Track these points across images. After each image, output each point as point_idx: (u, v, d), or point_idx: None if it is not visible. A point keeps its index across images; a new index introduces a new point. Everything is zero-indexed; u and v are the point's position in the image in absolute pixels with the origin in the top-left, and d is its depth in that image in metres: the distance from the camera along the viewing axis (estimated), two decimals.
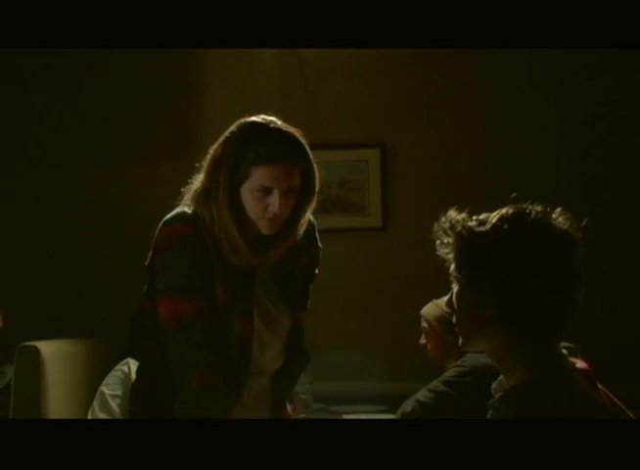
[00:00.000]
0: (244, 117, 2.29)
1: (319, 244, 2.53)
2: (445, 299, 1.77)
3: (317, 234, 2.51)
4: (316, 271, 2.54)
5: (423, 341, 3.26)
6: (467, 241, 1.66)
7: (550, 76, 4.12)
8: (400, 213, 4.16)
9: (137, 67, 4.24)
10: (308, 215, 2.35)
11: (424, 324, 3.24)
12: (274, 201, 2.20)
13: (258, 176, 2.19)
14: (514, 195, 1.73)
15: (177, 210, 2.30)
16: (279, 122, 2.26)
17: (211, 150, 2.28)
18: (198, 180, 2.30)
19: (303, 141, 2.26)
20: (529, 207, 1.67)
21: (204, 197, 2.25)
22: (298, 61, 4.20)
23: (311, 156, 2.28)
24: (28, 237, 4.29)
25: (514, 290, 1.60)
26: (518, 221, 1.64)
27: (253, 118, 2.27)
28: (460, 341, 1.73)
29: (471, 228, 1.66)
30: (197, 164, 2.30)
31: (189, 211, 2.27)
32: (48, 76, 4.31)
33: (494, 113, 4.14)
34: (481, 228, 1.65)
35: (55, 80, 4.31)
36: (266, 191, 2.20)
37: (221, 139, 2.27)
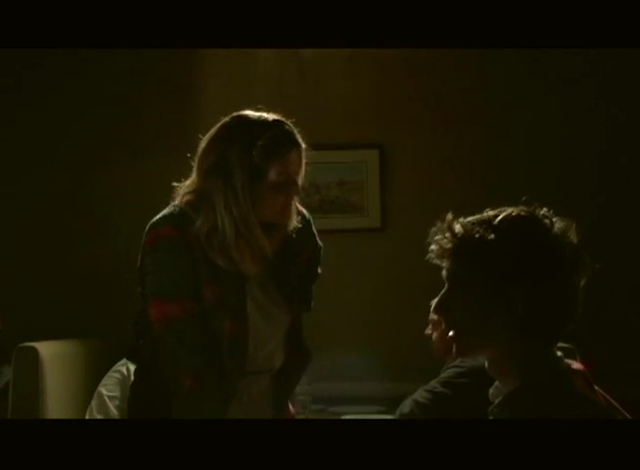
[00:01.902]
0: None
1: (319, 242, 2.52)
2: (434, 304, 1.71)
3: (315, 231, 2.50)
4: (319, 270, 2.53)
5: (428, 331, 3.21)
6: (480, 246, 1.60)
7: (550, 76, 4.12)
8: (399, 214, 4.16)
9: (136, 67, 4.24)
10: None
11: (433, 316, 3.15)
12: (293, 189, 2.24)
13: (276, 169, 2.21)
14: (524, 198, 1.68)
15: (164, 211, 2.29)
16: (262, 112, 2.27)
17: (200, 162, 2.24)
18: (190, 188, 2.26)
19: (290, 122, 2.29)
20: (537, 210, 1.64)
21: (220, 212, 2.21)
22: (298, 61, 4.20)
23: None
24: (27, 237, 4.28)
25: (535, 299, 1.57)
26: (532, 225, 1.61)
27: (235, 116, 2.26)
28: (455, 348, 1.67)
29: (479, 233, 1.60)
30: (192, 163, 2.28)
31: (176, 213, 2.26)
32: (47, 77, 4.30)
33: (493, 113, 4.14)
34: (491, 235, 1.59)
35: (54, 81, 4.30)
36: (287, 179, 2.23)
37: (208, 146, 2.24)
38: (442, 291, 1.67)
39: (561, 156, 4.10)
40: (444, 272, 1.67)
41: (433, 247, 1.66)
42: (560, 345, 1.60)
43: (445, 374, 2.97)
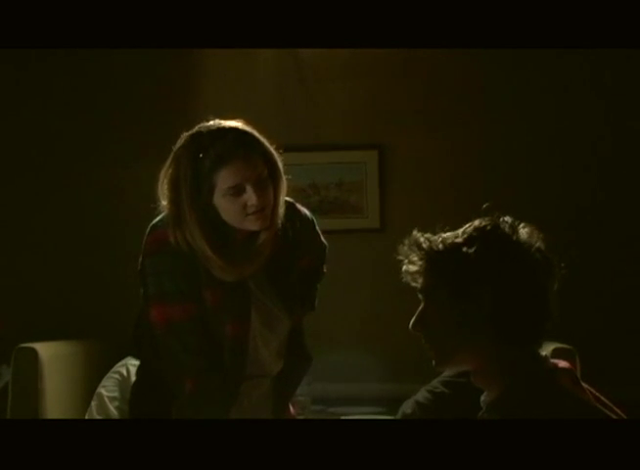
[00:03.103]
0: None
1: (323, 242, 2.51)
2: (411, 321, 1.73)
3: (319, 231, 2.49)
4: (324, 269, 2.53)
5: None
6: (448, 257, 1.65)
7: (550, 77, 4.12)
8: (398, 215, 4.16)
9: (136, 67, 4.24)
10: (283, 202, 2.29)
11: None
12: (250, 195, 2.16)
13: (223, 179, 2.14)
14: (485, 206, 1.73)
15: (164, 213, 2.28)
16: (222, 121, 2.21)
17: (163, 174, 2.22)
18: (164, 206, 2.24)
19: (250, 129, 2.21)
20: (499, 218, 1.67)
21: (173, 224, 2.20)
22: (297, 62, 4.20)
23: (264, 140, 2.23)
24: (26, 238, 4.28)
25: (504, 300, 1.60)
26: (494, 232, 1.65)
27: (195, 129, 2.22)
28: (435, 361, 1.70)
29: (445, 245, 1.66)
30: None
31: None
32: (47, 76, 4.30)
33: (493, 114, 4.14)
34: (457, 245, 1.65)
35: (54, 80, 4.30)
36: (238, 190, 2.16)
37: (170, 160, 2.21)
38: (419, 308, 1.72)
39: (560, 156, 4.10)
40: (418, 289, 1.72)
41: (404, 267, 1.72)
42: (559, 346, 1.62)
43: (446, 373, 2.96)
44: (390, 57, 4.10)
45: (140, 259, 2.30)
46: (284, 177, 2.27)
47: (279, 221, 2.28)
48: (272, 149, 2.24)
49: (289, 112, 4.19)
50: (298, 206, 2.42)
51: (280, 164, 2.25)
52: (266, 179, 2.20)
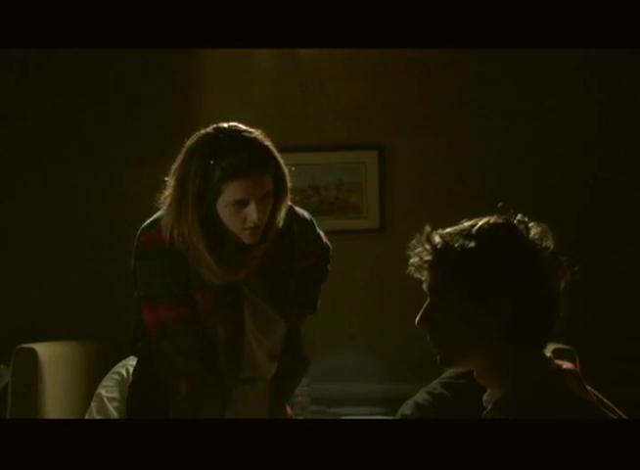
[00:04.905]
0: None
1: (325, 243, 2.50)
2: (417, 317, 1.70)
3: (320, 232, 2.48)
4: (328, 268, 2.52)
5: None
6: (460, 255, 1.60)
7: (550, 78, 4.12)
8: (398, 215, 4.16)
9: (135, 67, 4.24)
10: (281, 219, 2.29)
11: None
12: (251, 211, 2.15)
13: (230, 191, 2.14)
14: (500, 205, 1.70)
15: (155, 216, 2.28)
16: (241, 128, 2.19)
17: (174, 168, 2.21)
18: (166, 198, 2.23)
19: (268, 143, 2.19)
20: (513, 217, 1.64)
21: (173, 220, 2.20)
22: (296, 63, 4.20)
23: (279, 157, 2.21)
24: (26, 238, 4.28)
25: (521, 306, 1.58)
26: (509, 232, 1.62)
27: (212, 129, 2.20)
28: (440, 359, 1.67)
29: (459, 243, 1.61)
30: (166, 178, 2.24)
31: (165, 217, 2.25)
32: (47, 76, 4.30)
33: (492, 115, 4.14)
34: (470, 244, 1.60)
35: (53, 80, 4.30)
36: (242, 203, 2.15)
37: (182, 156, 2.20)
38: (425, 304, 1.68)
39: (560, 156, 4.10)
40: (425, 285, 1.67)
41: (412, 260, 1.66)
42: (559, 346, 1.61)
43: (445, 374, 2.96)
44: (390, 57, 4.10)
45: (132, 262, 2.30)
46: (288, 197, 2.27)
47: (272, 237, 2.27)
48: (284, 167, 2.23)
49: (289, 112, 4.19)
50: (297, 209, 2.42)
51: (288, 184, 2.25)
52: (271, 196, 2.20)
